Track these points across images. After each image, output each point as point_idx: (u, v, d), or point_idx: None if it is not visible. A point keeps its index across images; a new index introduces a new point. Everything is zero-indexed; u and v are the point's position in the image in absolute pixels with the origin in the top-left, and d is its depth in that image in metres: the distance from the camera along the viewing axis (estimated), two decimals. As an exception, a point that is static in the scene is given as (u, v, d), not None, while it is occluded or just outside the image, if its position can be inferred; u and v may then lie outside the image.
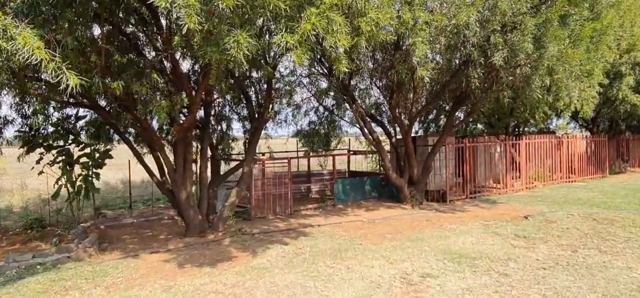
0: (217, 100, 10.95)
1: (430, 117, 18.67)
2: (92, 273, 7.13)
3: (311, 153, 15.19)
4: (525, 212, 11.13)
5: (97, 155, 11.05)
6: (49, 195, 11.40)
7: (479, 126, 20.14)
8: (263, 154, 14.25)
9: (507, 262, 7.01)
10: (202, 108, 10.41)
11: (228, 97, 11.19)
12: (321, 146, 16.17)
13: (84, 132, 11.17)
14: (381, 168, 15.74)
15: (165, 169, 9.20)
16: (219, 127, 11.50)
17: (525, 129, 18.50)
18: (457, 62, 10.35)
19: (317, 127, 15.41)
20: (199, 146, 11.06)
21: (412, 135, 16.98)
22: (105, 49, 6.77)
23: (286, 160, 12.23)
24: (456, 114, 13.25)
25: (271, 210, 11.80)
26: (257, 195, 11.68)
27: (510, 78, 9.55)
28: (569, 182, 17.60)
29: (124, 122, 7.59)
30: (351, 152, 16.07)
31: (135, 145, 9.98)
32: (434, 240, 8.53)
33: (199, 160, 10.33)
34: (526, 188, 15.83)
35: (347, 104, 12.27)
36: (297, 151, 15.98)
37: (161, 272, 7.15)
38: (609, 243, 7.93)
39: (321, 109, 14.87)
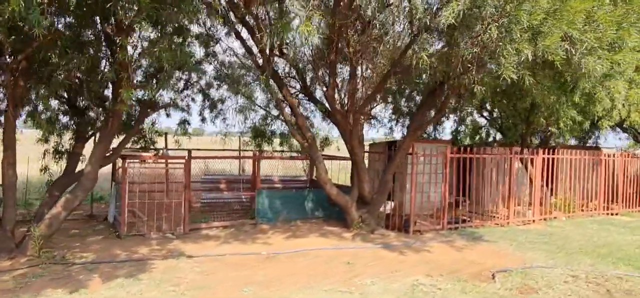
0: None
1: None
2: None
3: (260, 155, 11.95)
4: (506, 262, 7.29)
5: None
6: None
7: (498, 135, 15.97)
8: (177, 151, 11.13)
9: None
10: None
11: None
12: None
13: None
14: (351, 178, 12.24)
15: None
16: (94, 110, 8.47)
17: (550, 140, 14.12)
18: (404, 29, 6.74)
19: (268, 123, 12.18)
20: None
21: (391, 139, 13.36)
22: None
23: (183, 161, 9.06)
24: (430, 111, 9.45)
25: (155, 227, 8.70)
26: (134, 205, 8.63)
27: (476, 50, 5.79)
28: (608, 214, 13.12)
29: None
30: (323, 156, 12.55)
31: None
32: (302, 311, 5.05)
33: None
34: (542, 219, 11.67)
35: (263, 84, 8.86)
36: (240, 151, 12.81)
37: None
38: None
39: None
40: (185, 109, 11.88)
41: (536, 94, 8.64)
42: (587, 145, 17.74)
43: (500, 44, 5.15)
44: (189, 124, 12.35)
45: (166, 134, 11.66)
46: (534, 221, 11.38)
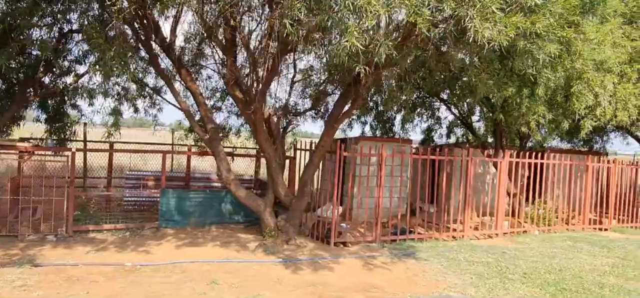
0: None
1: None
2: None
3: (193, 151, 10.80)
4: (413, 288, 5.87)
5: None
6: None
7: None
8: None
9: None
10: None
11: None
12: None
13: None
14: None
15: None
16: None
17: (538, 143, 12.30)
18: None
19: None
20: None
21: (341, 137, 11.98)
22: None
23: (67, 154, 7.94)
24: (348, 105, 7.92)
25: (31, 226, 7.65)
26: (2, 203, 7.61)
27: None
28: (596, 228, 11.32)
29: None
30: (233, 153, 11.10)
31: None
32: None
33: None
34: (510, 233, 10.05)
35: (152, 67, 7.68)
36: (173, 145, 11.67)
37: None
38: None
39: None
40: (117, 97, 10.90)
41: (476, 82, 7.11)
42: (593, 150, 15.87)
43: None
44: (121, 114, 11.35)
45: (85, 124, 10.66)
46: (497, 235, 9.77)
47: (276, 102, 9.46)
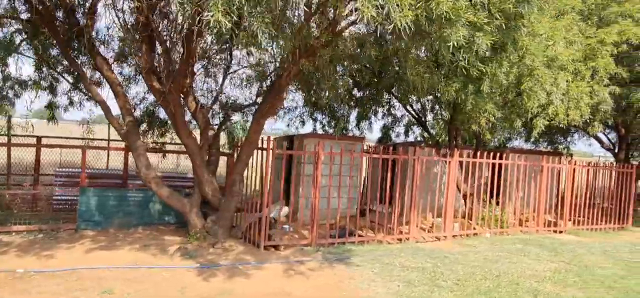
0: None
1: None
2: None
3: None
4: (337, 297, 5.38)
5: None
6: None
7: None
8: None
9: None
10: None
11: None
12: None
13: None
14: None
15: None
16: None
17: (484, 144, 11.94)
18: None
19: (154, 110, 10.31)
20: None
21: (290, 134, 11.47)
22: None
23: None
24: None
25: None
26: None
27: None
28: (552, 231, 11.03)
29: None
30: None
31: None
32: None
33: None
34: (461, 235, 9.66)
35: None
36: (109, 140, 10.99)
37: None
38: None
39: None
40: (50, 89, 10.21)
41: (411, 74, 6.65)
42: (557, 151, 15.71)
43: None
44: (56, 107, 10.65)
45: (10, 116, 9.91)
46: (446, 237, 9.36)
47: (213, 94, 8.88)
